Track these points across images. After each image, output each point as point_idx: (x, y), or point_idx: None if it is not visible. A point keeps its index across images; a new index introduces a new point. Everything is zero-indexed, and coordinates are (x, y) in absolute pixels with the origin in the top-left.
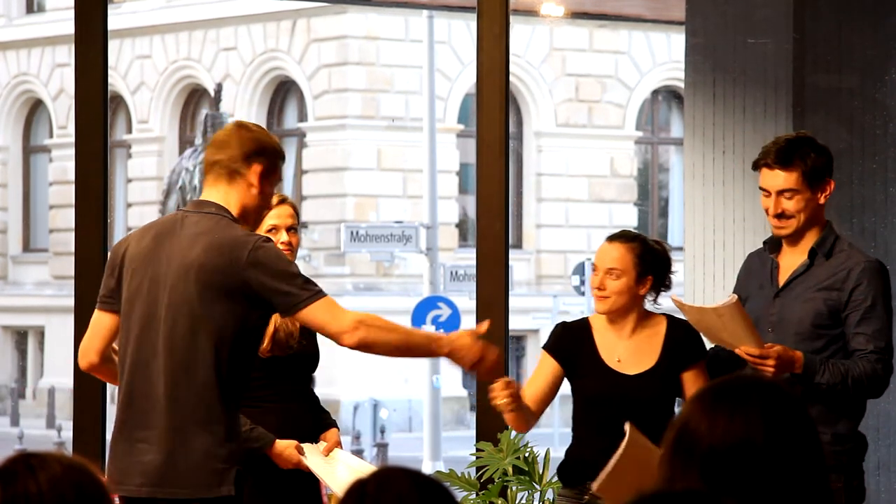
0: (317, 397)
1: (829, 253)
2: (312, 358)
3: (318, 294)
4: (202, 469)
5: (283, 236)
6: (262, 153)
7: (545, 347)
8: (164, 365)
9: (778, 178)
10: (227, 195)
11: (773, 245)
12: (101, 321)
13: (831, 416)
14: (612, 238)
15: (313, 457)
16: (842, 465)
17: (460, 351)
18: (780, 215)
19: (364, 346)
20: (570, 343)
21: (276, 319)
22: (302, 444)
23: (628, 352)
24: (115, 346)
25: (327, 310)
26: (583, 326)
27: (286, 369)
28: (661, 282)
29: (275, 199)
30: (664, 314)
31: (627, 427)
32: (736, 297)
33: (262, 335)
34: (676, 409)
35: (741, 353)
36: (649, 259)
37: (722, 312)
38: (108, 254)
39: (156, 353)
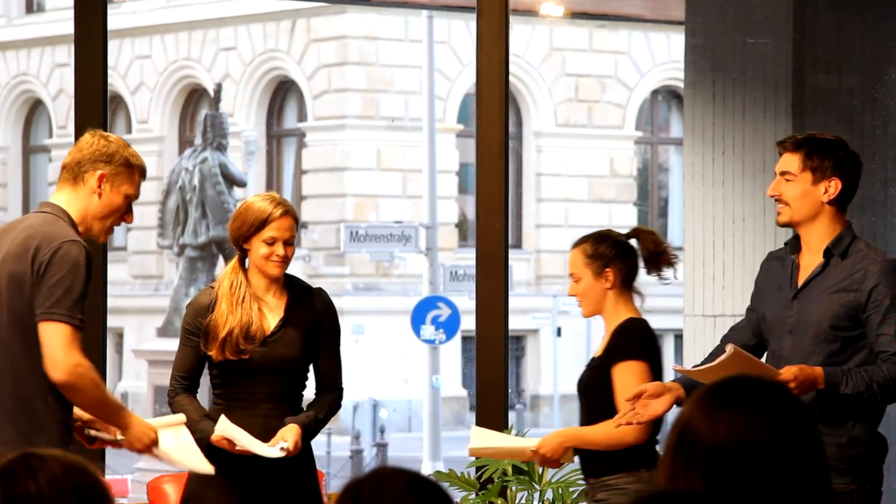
0: (293, 403)
1: (845, 253)
2: (275, 362)
3: (71, 320)
4: None
5: (280, 249)
6: (108, 160)
7: None
8: None
9: (782, 160)
10: (70, 198)
11: (794, 246)
12: None
13: (847, 419)
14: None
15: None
16: (856, 468)
17: (133, 435)
18: (777, 199)
19: (68, 388)
20: None
21: (229, 324)
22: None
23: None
24: None
25: (65, 337)
26: None
27: (239, 373)
28: (628, 271)
29: (278, 210)
30: (631, 316)
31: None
32: (732, 346)
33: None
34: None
35: None
36: (601, 254)
37: (726, 365)
38: None
39: None
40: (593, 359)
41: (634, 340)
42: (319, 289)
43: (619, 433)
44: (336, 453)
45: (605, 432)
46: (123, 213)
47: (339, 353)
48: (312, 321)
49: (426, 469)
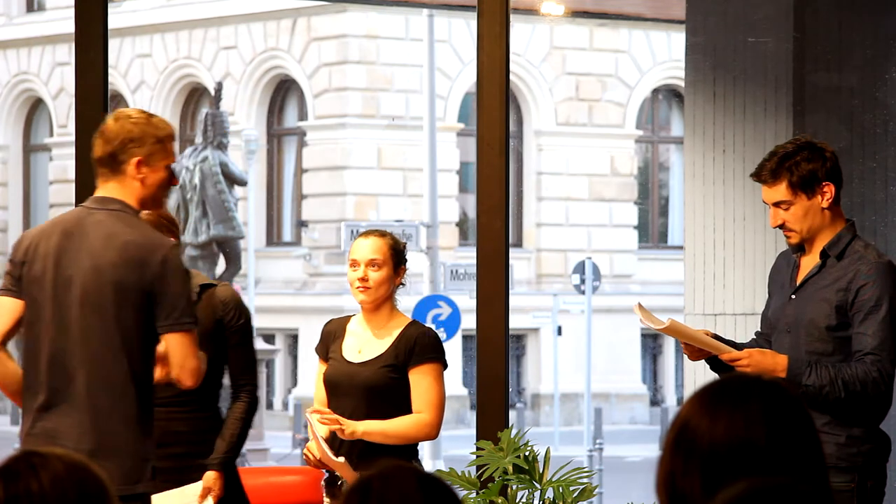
0: (202, 405)
1: (842, 254)
2: None
3: (193, 326)
4: (122, 465)
5: None
6: (139, 143)
7: (316, 349)
8: (80, 364)
9: (768, 192)
10: (120, 189)
11: (797, 245)
12: (5, 305)
13: (847, 418)
14: (366, 233)
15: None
16: (856, 466)
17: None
18: (782, 227)
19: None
20: (328, 340)
21: None
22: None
23: (370, 343)
24: None
25: (193, 344)
26: (341, 324)
27: None
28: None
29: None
30: (415, 319)
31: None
32: (670, 319)
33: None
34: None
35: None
36: (401, 252)
37: (665, 330)
38: (11, 250)
39: (71, 353)
40: (379, 357)
41: (434, 344)
42: (223, 285)
43: (416, 431)
44: None
45: (403, 427)
46: (170, 180)
47: (250, 349)
48: (211, 321)
49: (427, 468)
